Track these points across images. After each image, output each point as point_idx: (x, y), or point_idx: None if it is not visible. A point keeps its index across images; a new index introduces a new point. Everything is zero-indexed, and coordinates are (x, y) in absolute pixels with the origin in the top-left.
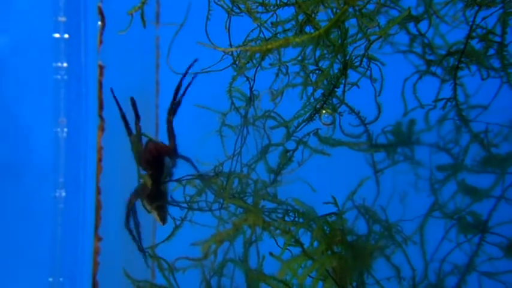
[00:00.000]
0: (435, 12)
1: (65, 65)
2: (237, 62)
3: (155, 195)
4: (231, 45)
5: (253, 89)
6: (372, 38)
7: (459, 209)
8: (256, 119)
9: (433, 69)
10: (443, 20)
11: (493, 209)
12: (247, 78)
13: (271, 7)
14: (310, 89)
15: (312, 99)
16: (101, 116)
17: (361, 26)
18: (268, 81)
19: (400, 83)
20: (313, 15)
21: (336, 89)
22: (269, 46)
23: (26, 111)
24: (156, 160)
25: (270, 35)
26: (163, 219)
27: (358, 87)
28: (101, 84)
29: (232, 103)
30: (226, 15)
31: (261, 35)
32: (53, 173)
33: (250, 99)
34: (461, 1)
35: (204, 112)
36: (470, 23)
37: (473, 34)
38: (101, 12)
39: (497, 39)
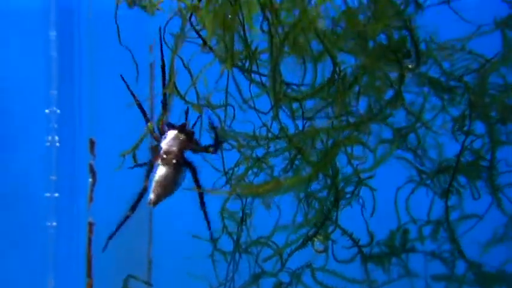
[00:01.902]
0: (424, 124)
1: (54, 224)
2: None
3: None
4: (225, 172)
5: (245, 209)
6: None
7: None
8: (248, 246)
9: (425, 178)
10: (432, 131)
11: None
12: (240, 197)
13: (262, 141)
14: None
15: (305, 221)
16: (89, 276)
17: (351, 160)
18: None
19: (393, 190)
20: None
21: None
22: (260, 190)
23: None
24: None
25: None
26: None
27: (351, 207)
28: (90, 241)
29: (224, 226)
30: None
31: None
32: None
33: (242, 220)
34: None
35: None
36: (461, 143)
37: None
38: (92, 170)
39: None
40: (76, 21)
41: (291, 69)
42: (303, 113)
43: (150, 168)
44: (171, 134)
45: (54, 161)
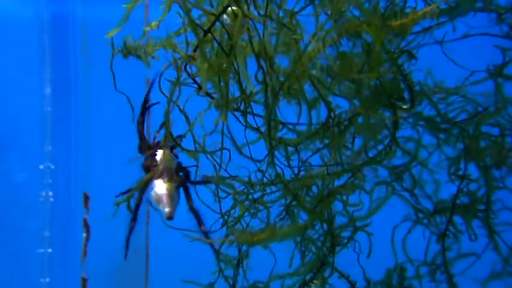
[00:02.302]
0: (420, 162)
1: (47, 280)
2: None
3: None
4: (222, 214)
5: (241, 252)
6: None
7: None
8: None
9: (422, 218)
10: (428, 169)
11: None
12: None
13: (258, 187)
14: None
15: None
16: None
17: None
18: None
19: (390, 227)
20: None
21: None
22: (255, 238)
23: None
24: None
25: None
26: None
27: (347, 248)
28: None
29: (220, 270)
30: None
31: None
32: None
33: (238, 264)
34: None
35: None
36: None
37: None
38: (85, 224)
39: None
40: (73, 76)
41: (286, 108)
42: (298, 158)
43: (147, 182)
44: (165, 153)
45: (48, 216)
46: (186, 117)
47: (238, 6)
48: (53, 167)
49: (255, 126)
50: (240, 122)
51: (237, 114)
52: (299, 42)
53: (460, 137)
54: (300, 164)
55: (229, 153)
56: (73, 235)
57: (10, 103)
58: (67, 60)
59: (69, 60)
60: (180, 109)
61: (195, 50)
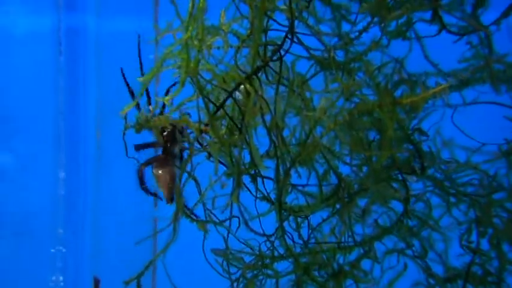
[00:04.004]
0: (429, 226)
1: None
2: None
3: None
4: (231, 282)
5: None
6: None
7: None
8: None
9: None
10: (439, 231)
11: None
12: None
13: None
14: None
15: None
16: None
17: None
18: None
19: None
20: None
21: None
22: None
23: None
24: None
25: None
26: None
27: None
28: None
29: None
30: None
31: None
32: None
33: None
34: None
35: None
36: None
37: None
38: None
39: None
40: (84, 158)
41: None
42: (308, 225)
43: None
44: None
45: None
46: (196, 182)
47: (251, 84)
48: (64, 250)
49: (265, 192)
50: (250, 192)
51: (246, 180)
52: (309, 105)
53: (471, 207)
54: (310, 231)
55: (239, 221)
56: None
57: (24, 186)
58: (78, 146)
59: (80, 146)
60: (189, 174)
61: (206, 125)
